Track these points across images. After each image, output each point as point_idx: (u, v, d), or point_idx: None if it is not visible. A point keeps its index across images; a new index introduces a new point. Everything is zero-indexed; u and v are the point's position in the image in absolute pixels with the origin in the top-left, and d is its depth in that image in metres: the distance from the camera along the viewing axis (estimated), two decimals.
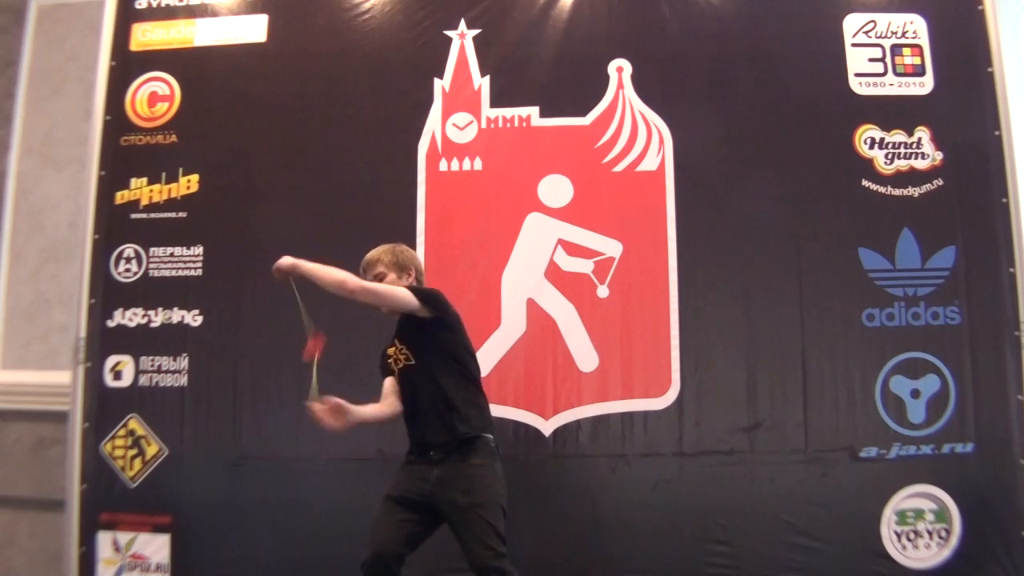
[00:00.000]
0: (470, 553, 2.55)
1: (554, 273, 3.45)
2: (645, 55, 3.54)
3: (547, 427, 3.35)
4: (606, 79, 3.54)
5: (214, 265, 3.55)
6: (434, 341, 2.73)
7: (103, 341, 3.52)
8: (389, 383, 2.83)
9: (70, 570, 3.40)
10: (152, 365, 3.50)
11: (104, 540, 3.43)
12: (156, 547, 3.41)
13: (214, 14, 3.72)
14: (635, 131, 3.50)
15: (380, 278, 2.78)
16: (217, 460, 3.44)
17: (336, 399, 2.64)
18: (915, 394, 3.32)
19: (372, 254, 2.84)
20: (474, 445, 2.65)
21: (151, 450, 3.46)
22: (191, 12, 3.72)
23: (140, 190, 3.60)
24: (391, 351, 2.81)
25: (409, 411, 2.74)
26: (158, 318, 3.53)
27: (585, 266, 3.44)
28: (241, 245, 3.55)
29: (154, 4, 3.74)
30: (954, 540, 3.26)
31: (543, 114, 3.53)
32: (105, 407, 3.49)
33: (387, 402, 2.80)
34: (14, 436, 3.92)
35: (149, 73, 3.69)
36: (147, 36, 3.72)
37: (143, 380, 3.50)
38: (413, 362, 2.73)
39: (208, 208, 3.58)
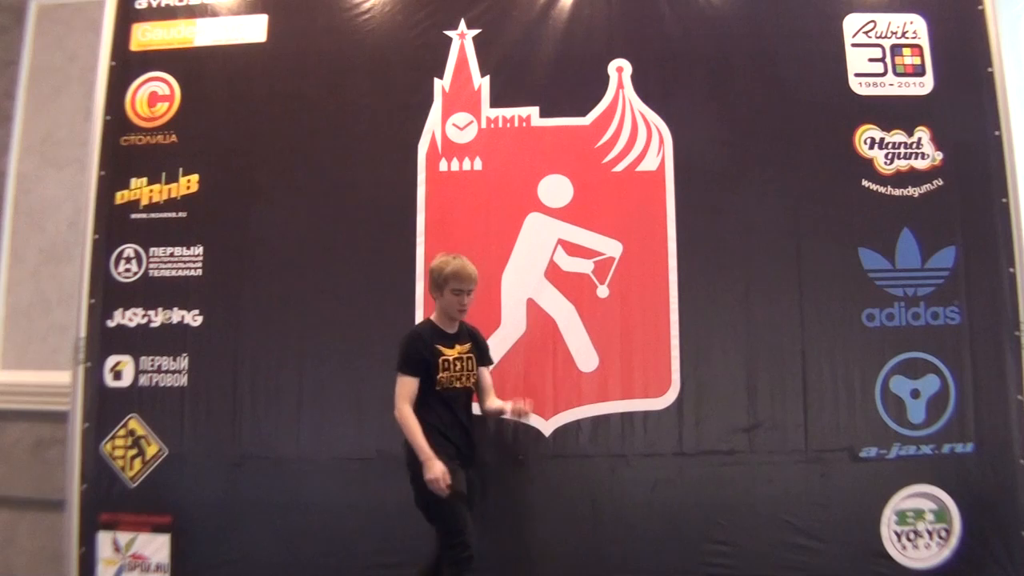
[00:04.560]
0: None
1: (554, 273, 3.45)
2: (645, 55, 3.55)
3: (547, 427, 3.35)
4: (606, 79, 3.54)
5: (214, 265, 3.55)
6: None
7: (103, 341, 3.52)
8: (416, 386, 2.97)
9: (70, 570, 3.40)
10: (152, 365, 3.50)
11: (104, 540, 3.43)
12: (156, 547, 3.41)
13: (214, 14, 3.72)
14: (635, 131, 3.50)
15: (471, 292, 3.06)
16: (217, 460, 3.44)
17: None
18: (915, 394, 3.32)
19: (472, 268, 3.06)
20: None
21: (151, 450, 3.46)
22: (191, 12, 3.73)
23: (140, 190, 3.61)
24: (451, 356, 3.01)
25: (456, 422, 3.01)
26: (158, 318, 3.53)
27: (585, 266, 3.44)
28: (241, 245, 3.55)
29: (154, 4, 3.74)
30: (954, 540, 3.26)
31: (543, 114, 3.53)
32: (105, 407, 3.49)
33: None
34: (14, 436, 3.92)
35: (149, 73, 3.69)
36: (147, 36, 3.72)
37: (143, 380, 3.50)
38: (472, 388, 3.09)
39: (208, 208, 3.58)
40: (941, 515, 3.28)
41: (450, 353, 3.00)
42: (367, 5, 3.66)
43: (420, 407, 2.96)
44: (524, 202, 3.49)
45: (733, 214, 3.44)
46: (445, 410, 2.98)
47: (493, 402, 3.13)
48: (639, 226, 3.46)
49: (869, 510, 3.27)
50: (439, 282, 3.03)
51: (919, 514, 3.27)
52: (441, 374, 2.97)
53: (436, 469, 2.82)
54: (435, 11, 3.62)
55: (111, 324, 3.54)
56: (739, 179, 3.46)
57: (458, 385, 3.01)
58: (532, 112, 3.54)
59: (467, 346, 3.07)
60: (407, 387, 2.95)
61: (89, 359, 3.50)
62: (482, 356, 3.15)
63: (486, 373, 3.17)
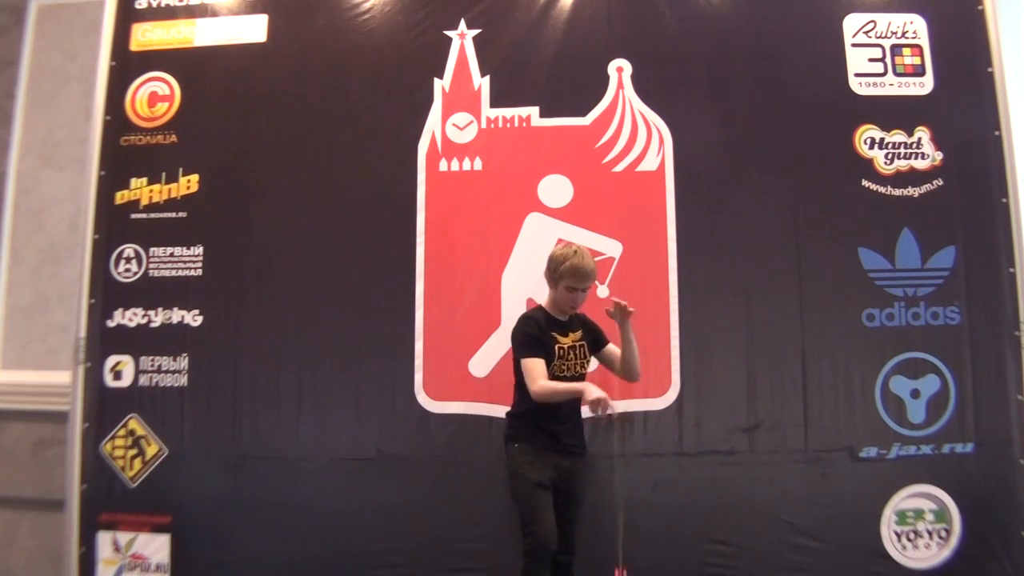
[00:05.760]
0: (570, 536, 2.94)
1: None
2: (645, 55, 3.54)
3: None
4: (606, 79, 3.54)
5: (214, 265, 3.55)
6: None
7: (103, 341, 3.52)
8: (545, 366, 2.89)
9: (70, 570, 3.40)
10: (152, 365, 3.50)
11: (104, 540, 3.43)
12: (156, 547, 3.41)
13: (214, 14, 3.72)
14: (635, 131, 3.50)
15: (587, 289, 2.98)
16: (217, 460, 3.44)
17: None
18: (915, 394, 3.32)
19: (591, 265, 2.95)
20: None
21: (151, 450, 3.46)
22: (191, 12, 3.72)
23: (140, 190, 3.61)
24: (566, 344, 2.95)
25: (558, 413, 2.91)
26: (158, 318, 3.53)
27: None
28: (241, 245, 3.55)
29: (154, 4, 3.74)
30: (954, 540, 3.26)
31: (543, 114, 3.53)
32: (105, 407, 3.49)
33: None
34: (14, 436, 3.92)
35: (149, 73, 3.69)
36: (147, 36, 3.72)
37: (143, 380, 3.50)
38: (583, 372, 3.00)
39: (208, 208, 3.58)
40: (941, 515, 3.28)
41: (565, 341, 2.95)
42: (367, 5, 3.66)
43: (526, 394, 2.89)
44: (524, 202, 3.49)
45: (733, 214, 3.44)
46: (563, 402, 2.88)
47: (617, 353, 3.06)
48: (639, 226, 3.45)
49: (869, 510, 3.27)
50: (555, 275, 2.95)
51: (919, 514, 3.27)
52: (556, 362, 2.92)
53: (591, 392, 2.72)
54: (435, 11, 3.62)
55: (111, 324, 3.53)
56: (739, 179, 3.46)
57: (568, 374, 2.94)
58: (532, 112, 3.54)
59: (579, 334, 3.01)
60: (537, 367, 2.86)
61: (89, 359, 3.50)
62: (596, 341, 3.08)
63: (611, 349, 3.09)
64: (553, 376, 2.90)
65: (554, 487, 2.90)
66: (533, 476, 2.86)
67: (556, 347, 2.92)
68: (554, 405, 2.88)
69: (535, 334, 2.91)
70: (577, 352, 2.98)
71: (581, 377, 2.98)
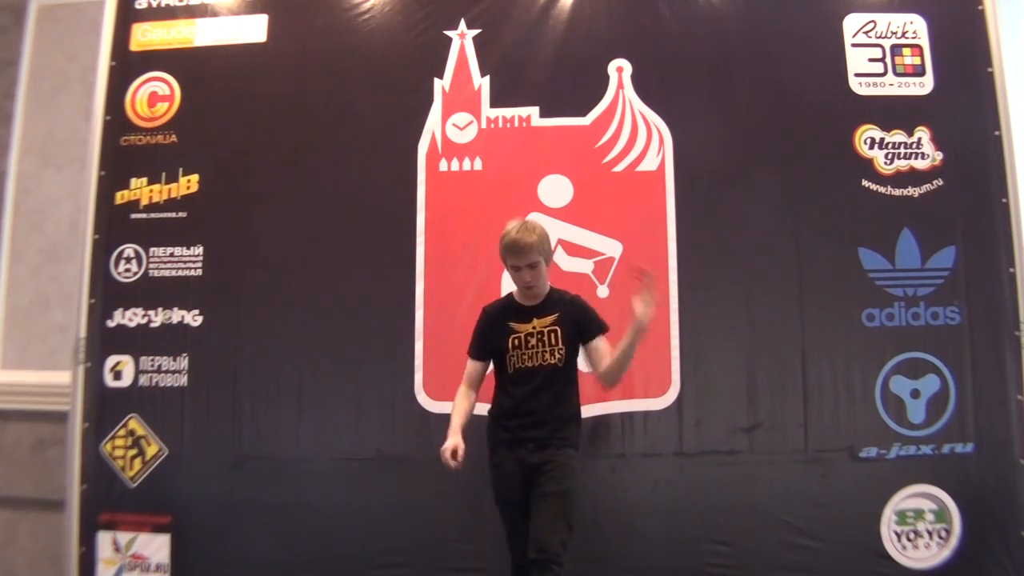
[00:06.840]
0: (541, 535, 2.59)
1: (554, 273, 3.43)
2: (645, 55, 3.54)
3: None
4: (606, 79, 3.54)
5: (214, 265, 3.55)
6: (577, 352, 2.86)
7: (103, 341, 3.52)
8: (480, 371, 2.83)
9: (70, 570, 3.40)
10: (152, 365, 3.50)
11: (104, 540, 3.43)
12: (156, 547, 3.41)
13: (214, 14, 3.72)
14: (635, 131, 3.50)
15: (534, 265, 2.75)
16: (217, 460, 3.44)
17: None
18: (915, 394, 3.32)
19: (526, 239, 2.70)
20: (573, 439, 2.79)
21: (151, 450, 3.46)
22: (191, 12, 3.72)
23: (140, 190, 3.61)
24: (523, 331, 2.78)
25: (522, 408, 2.75)
26: (158, 318, 3.53)
27: (585, 266, 3.44)
28: (241, 245, 3.55)
29: (154, 4, 3.74)
30: (954, 540, 3.26)
31: (543, 114, 3.53)
32: (105, 407, 3.49)
33: (472, 398, 2.85)
34: (14, 436, 3.92)
35: (149, 73, 3.69)
36: (147, 36, 3.72)
37: (143, 380, 3.50)
38: (560, 364, 2.78)
39: (208, 208, 3.58)
40: (941, 515, 3.28)
41: (523, 328, 2.78)
42: (367, 5, 3.66)
43: (496, 391, 2.86)
44: (524, 202, 3.48)
45: (733, 214, 3.43)
46: (514, 392, 2.75)
47: (605, 362, 2.76)
48: (639, 226, 3.45)
49: (869, 510, 3.27)
50: (501, 256, 2.79)
51: (919, 514, 3.27)
52: (511, 353, 2.77)
53: (446, 444, 2.64)
54: (435, 11, 3.62)
55: (111, 324, 3.53)
56: (739, 179, 3.45)
57: (531, 364, 2.76)
58: (532, 112, 3.54)
59: (550, 319, 2.78)
60: (467, 370, 2.87)
61: (89, 359, 3.50)
62: (580, 327, 2.81)
63: (598, 344, 2.81)
64: (514, 368, 2.79)
65: (531, 484, 2.73)
66: (496, 491, 2.83)
67: (511, 338, 2.79)
68: (510, 400, 2.77)
69: (480, 330, 2.87)
70: (545, 339, 2.76)
71: (551, 368, 2.76)
